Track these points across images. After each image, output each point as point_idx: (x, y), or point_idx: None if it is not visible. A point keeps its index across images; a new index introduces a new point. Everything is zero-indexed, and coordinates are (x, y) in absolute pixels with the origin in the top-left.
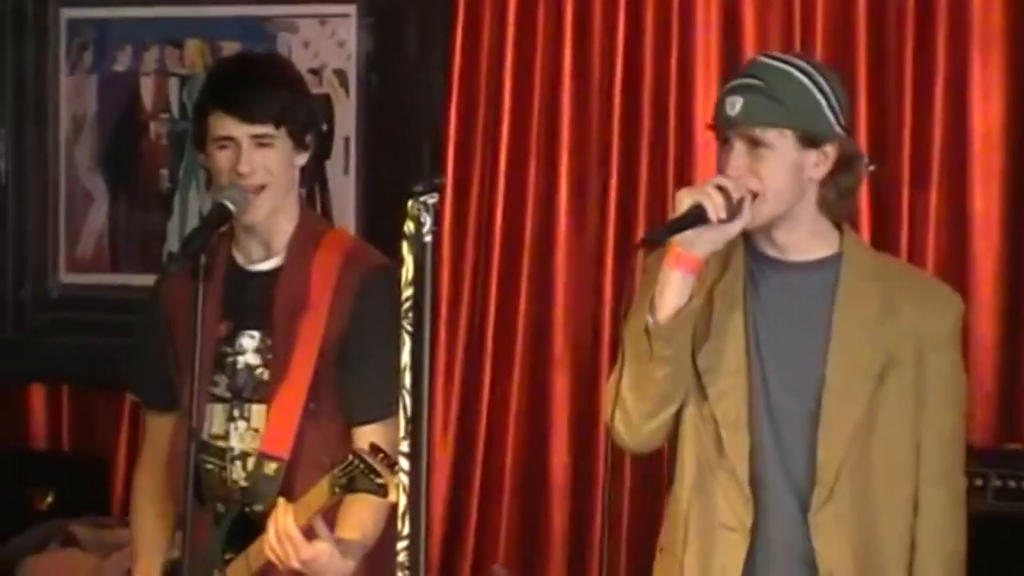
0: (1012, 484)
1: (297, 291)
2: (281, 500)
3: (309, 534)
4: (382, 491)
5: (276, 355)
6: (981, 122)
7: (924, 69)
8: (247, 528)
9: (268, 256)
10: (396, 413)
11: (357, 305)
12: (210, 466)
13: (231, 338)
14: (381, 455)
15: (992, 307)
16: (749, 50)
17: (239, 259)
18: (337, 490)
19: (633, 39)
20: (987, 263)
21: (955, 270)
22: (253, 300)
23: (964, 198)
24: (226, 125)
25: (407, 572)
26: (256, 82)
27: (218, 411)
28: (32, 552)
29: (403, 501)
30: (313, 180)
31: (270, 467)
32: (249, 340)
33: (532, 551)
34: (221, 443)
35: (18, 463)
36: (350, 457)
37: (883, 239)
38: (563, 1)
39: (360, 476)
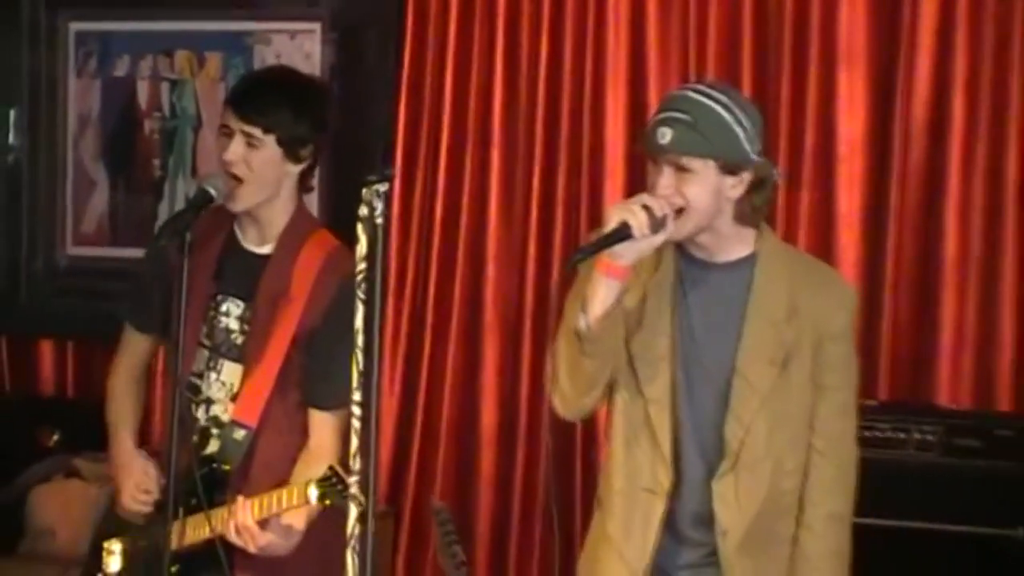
0: (867, 433)
1: (280, 280)
2: (240, 497)
3: (264, 524)
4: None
5: (255, 335)
6: (846, 132)
7: (798, 86)
8: (216, 482)
9: (262, 242)
10: (348, 406)
11: (331, 308)
12: (185, 398)
13: (219, 299)
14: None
15: (857, 265)
16: (652, 72)
17: (239, 235)
18: (313, 501)
19: (554, 60)
20: (850, 253)
21: (822, 258)
22: (243, 274)
23: (831, 197)
24: (228, 116)
25: (359, 502)
26: (263, 91)
27: (203, 355)
28: (40, 482)
29: (355, 443)
30: None
31: (239, 434)
32: (234, 307)
33: (465, 489)
34: (197, 381)
35: (29, 407)
36: (328, 473)
37: None
38: (496, 26)
39: (335, 493)
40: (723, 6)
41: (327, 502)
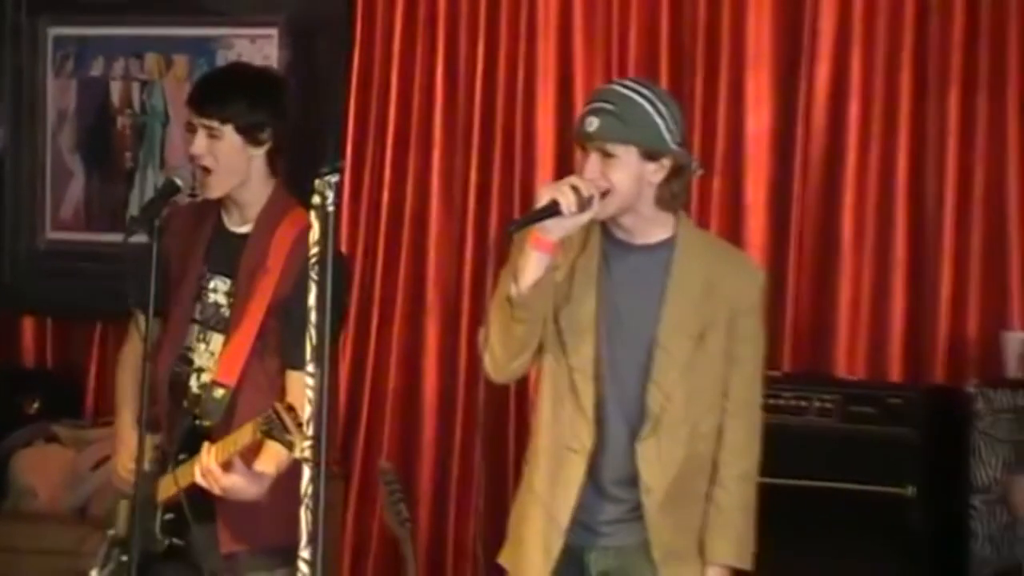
0: (772, 401)
1: (258, 255)
2: (206, 444)
3: (229, 467)
4: (289, 446)
5: (236, 305)
6: (753, 128)
7: (710, 87)
8: (197, 438)
9: (243, 223)
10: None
11: (302, 278)
12: (179, 371)
13: (207, 278)
14: (293, 414)
15: (764, 251)
16: (578, 74)
17: (224, 220)
18: (258, 434)
19: (490, 62)
20: (756, 237)
21: (732, 241)
22: (228, 253)
23: (740, 187)
24: (190, 114)
25: (312, 464)
26: (218, 87)
27: (194, 329)
28: (22, 447)
29: (309, 409)
30: None
31: (219, 392)
32: (221, 284)
33: (409, 452)
34: (190, 354)
35: (11, 377)
36: (271, 411)
37: None
38: (436, 31)
39: (276, 429)
40: (642, 15)
41: (269, 438)
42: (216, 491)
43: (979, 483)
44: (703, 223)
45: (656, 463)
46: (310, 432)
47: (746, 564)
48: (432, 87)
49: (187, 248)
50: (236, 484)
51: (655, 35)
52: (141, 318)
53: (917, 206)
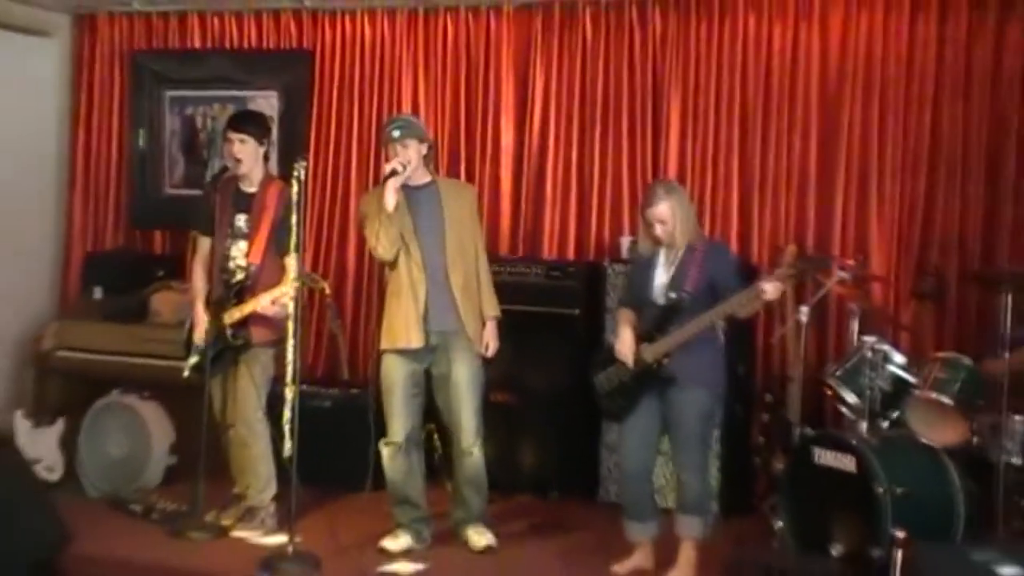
0: (510, 270)
1: (262, 202)
2: (263, 293)
3: (273, 303)
4: (322, 290)
5: (254, 225)
6: (505, 142)
7: (485, 121)
8: (243, 292)
9: (251, 187)
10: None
11: (285, 208)
12: (222, 259)
13: (234, 215)
14: (318, 274)
15: (510, 199)
16: (423, 114)
17: (241, 186)
18: (297, 283)
19: (379, 114)
20: (507, 191)
21: (492, 192)
22: (245, 201)
23: (497, 170)
24: (228, 133)
25: (294, 301)
26: (243, 118)
27: (228, 241)
28: (154, 293)
29: (295, 272)
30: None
31: (253, 267)
32: (242, 216)
33: (340, 295)
34: (227, 252)
35: (150, 259)
36: (308, 275)
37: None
38: (353, 93)
39: (310, 281)
40: (453, 86)
41: (310, 285)
42: (270, 313)
43: (610, 307)
44: (482, 189)
45: (455, 276)
46: (295, 286)
47: (498, 314)
48: (351, 122)
49: (224, 199)
50: (278, 312)
51: (457, 92)
52: (200, 238)
53: (581, 172)
